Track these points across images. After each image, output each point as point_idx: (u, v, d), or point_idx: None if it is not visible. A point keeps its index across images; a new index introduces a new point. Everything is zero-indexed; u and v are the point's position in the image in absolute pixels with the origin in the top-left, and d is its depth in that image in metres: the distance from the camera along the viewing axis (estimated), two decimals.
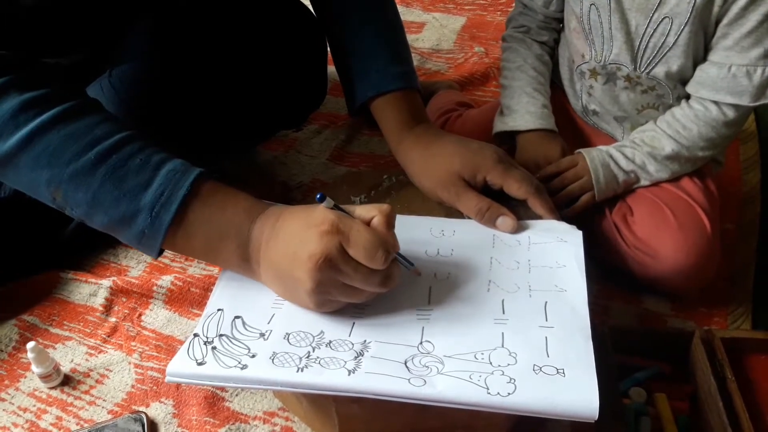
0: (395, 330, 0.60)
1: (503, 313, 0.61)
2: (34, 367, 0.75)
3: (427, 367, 0.56)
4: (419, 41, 1.45)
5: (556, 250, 0.68)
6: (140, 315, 0.85)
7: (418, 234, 0.72)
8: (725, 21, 0.73)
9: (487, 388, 0.53)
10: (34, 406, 0.75)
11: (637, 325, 0.81)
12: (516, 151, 0.87)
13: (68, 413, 0.74)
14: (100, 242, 0.93)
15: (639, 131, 0.83)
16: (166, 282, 0.86)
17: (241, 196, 0.63)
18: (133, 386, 0.76)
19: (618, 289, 0.85)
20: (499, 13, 1.55)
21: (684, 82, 0.80)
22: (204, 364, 0.58)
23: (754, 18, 0.71)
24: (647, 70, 0.79)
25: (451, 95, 1.16)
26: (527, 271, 0.66)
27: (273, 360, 0.57)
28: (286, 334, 0.60)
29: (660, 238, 0.78)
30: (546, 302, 0.62)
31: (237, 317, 0.62)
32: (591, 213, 0.84)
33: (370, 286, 0.58)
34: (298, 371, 0.56)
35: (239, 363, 0.57)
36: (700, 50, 0.77)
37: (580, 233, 0.70)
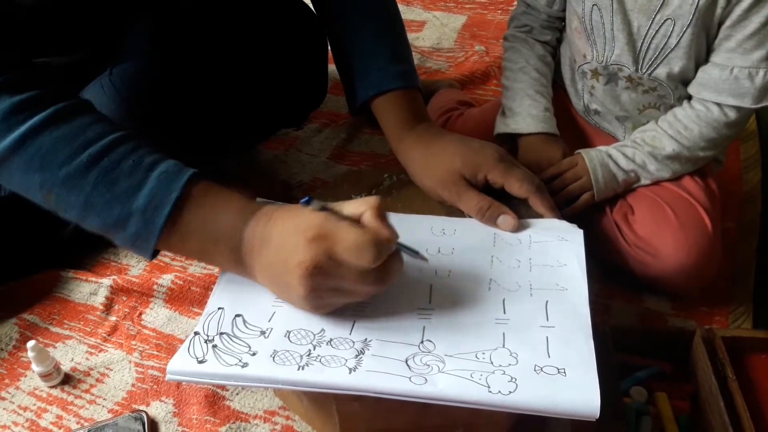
0: (396, 328, 0.60)
1: (504, 312, 0.61)
2: (34, 366, 0.75)
3: (428, 365, 0.56)
4: (420, 40, 1.45)
5: (557, 249, 0.68)
6: (140, 314, 0.85)
7: (419, 233, 0.72)
8: (728, 23, 0.72)
9: (488, 387, 0.53)
10: (35, 405, 0.75)
11: (637, 325, 0.81)
12: (517, 154, 0.87)
13: (68, 412, 0.74)
14: (100, 241, 0.92)
15: (640, 131, 0.83)
16: (167, 281, 0.86)
17: (233, 196, 0.62)
18: (133, 385, 0.76)
19: (619, 288, 0.85)
20: (499, 11, 1.55)
21: (685, 83, 0.80)
22: (205, 362, 0.58)
23: (757, 20, 0.70)
24: (649, 71, 0.79)
25: (452, 94, 1.16)
26: (528, 269, 0.66)
27: (274, 358, 0.57)
28: (287, 332, 0.60)
29: (661, 237, 0.78)
30: (547, 301, 0.62)
31: (237, 315, 0.62)
32: (592, 212, 0.84)
33: (366, 285, 0.57)
34: (298, 369, 0.56)
35: (240, 361, 0.57)
36: (702, 52, 0.77)
37: (581, 232, 0.70)
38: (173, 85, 0.81)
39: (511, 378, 0.54)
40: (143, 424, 0.71)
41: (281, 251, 0.57)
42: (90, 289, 0.88)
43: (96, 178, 0.58)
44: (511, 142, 0.88)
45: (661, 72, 0.78)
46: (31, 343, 0.74)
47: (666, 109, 0.83)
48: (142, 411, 0.72)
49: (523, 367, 0.55)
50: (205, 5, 0.84)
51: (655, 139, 0.81)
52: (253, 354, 0.58)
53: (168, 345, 0.81)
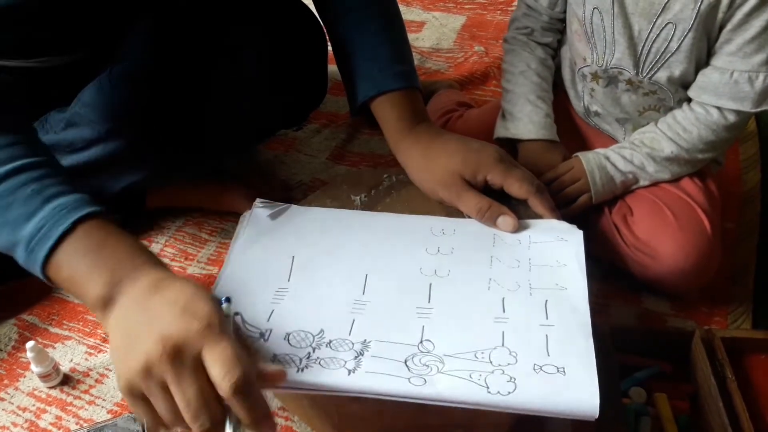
0: (395, 328, 0.60)
1: (503, 311, 0.61)
2: (33, 367, 0.75)
3: (428, 366, 0.56)
4: (419, 40, 1.45)
5: (556, 250, 0.68)
6: None
7: (419, 232, 0.72)
8: (729, 26, 0.72)
9: (487, 387, 0.53)
10: (34, 405, 0.75)
11: (637, 325, 0.81)
12: (517, 157, 0.87)
13: (68, 413, 0.74)
14: None
15: (639, 132, 0.83)
16: None
17: (128, 239, 0.57)
18: None
19: (618, 288, 0.85)
20: (499, 12, 1.55)
21: (686, 86, 0.80)
22: None
23: (757, 24, 0.70)
24: (649, 75, 0.79)
25: (452, 95, 1.16)
26: (528, 269, 0.66)
27: (272, 361, 0.57)
28: (286, 334, 0.60)
29: (660, 238, 0.79)
30: (546, 300, 0.62)
31: (236, 314, 0.62)
32: (590, 213, 0.84)
33: (190, 411, 0.48)
34: (298, 372, 0.56)
35: None
36: (703, 55, 0.77)
37: (580, 233, 0.70)
38: (172, 85, 0.81)
39: (511, 378, 0.54)
40: (142, 425, 0.71)
41: (156, 312, 0.51)
42: None
43: None
44: (510, 146, 0.88)
45: (662, 76, 0.78)
46: (30, 344, 0.74)
47: (666, 111, 0.83)
48: None
49: (523, 366, 0.55)
50: (205, 5, 0.84)
51: (654, 140, 0.81)
52: None
53: None
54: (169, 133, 0.82)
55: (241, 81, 0.86)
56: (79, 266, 0.55)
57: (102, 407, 0.75)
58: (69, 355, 0.81)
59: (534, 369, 0.55)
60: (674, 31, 0.74)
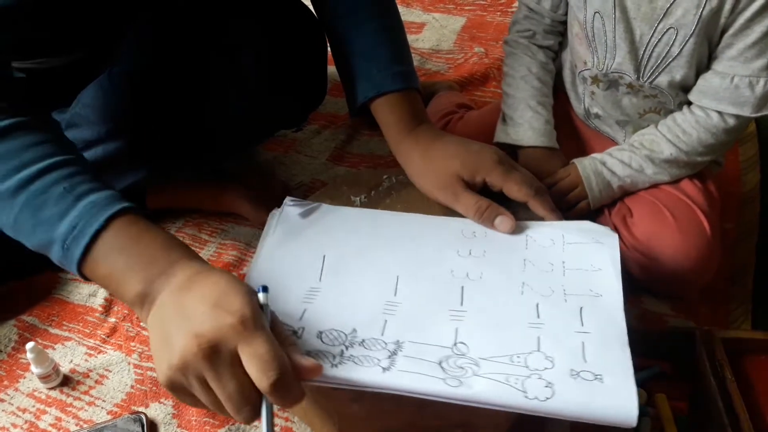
0: (428, 330, 0.59)
1: (538, 317, 0.60)
2: (33, 368, 0.75)
3: (462, 368, 0.55)
4: (419, 42, 1.45)
5: (591, 252, 0.67)
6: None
7: (449, 234, 0.71)
8: (731, 31, 0.72)
9: (525, 392, 0.52)
10: (34, 406, 0.75)
11: (637, 325, 0.81)
12: (516, 161, 0.86)
13: (67, 414, 0.74)
14: None
15: (639, 134, 0.83)
16: None
17: (162, 234, 0.58)
18: (132, 387, 0.76)
19: None
20: (498, 13, 1.55)
21: (686, 90, 0.79)
22: None
23: (759, 29, 0.70)
24: (650, 80, 0.79)
25: (451, 97, 1.16)
26: (562, 273, 0.65)
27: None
28: (319, 332, 0.59)
29: (659, 239, 0.79)
30: (581, 307, 0.61)
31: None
32: (590, 215, 0.84)
33: (232, 404, 0.49)
34: (332, 367, 0.55)
35: None
36: (704, 60, 0.76)
37: (616, 236, 0.68)
38: (172, 85, 0.81)
39: (548, 383, 0.53)
40: (142, 426, 0.71)
41: (191, 310, 0.51)
42: (89, 291, 0.88)
43: (24, 201, 0.57)
44: (510, 148, 0.88)
45: (663, 80, 0.78)
46: (30, 345, 0.74)
47: (666, 114, 0.83)
48: (141, 413, 0.72)
49: (560, 371, 0.54)
50: (204, 5, 0.84)
51: (653, 142, 0.81)
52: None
53: None
54: (169, 134, 0.82)
55: (240, 81, 0.86)
56: (116, 264, 0.56)
57: (102, 408, 0.75)
58: (69, 356, 0.81)
59: (571, 374, 0.54)
60: (676, 36, 0.74)
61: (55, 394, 0.77)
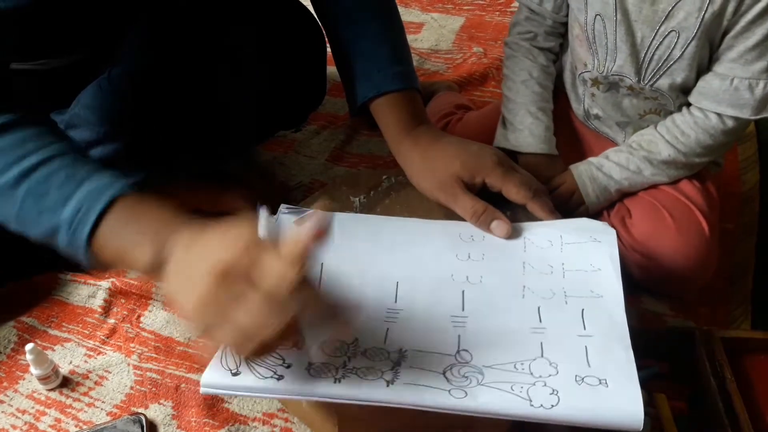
0: (431, 337, 0.59)
1: (540, 321, 0.60)
2: (32, 369, 0.75)
3: (467, 377, 0.55)
4: (418, 42, 1.45)
5: (590, 252, 0.66)
6: (139, 316, 0.85)
7: (447, 238, 0.71)
8: (732, 33, 0.72)
9: (530, 400, 0.52)
10: (33, 408, 0.75)
11: (636, 326, 0.81)
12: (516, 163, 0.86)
13: (67, 415, 0.74)
14: None
15: (637, 135, 0.83)
16: None
17: (167, 205, 0.59)
18: (132, 388, 0.76)
19: None
20: (497, 13, 1.55)
21: (687, 92, 0.79)
22: (238, 374, 0.55)
23: (759, 32, 0.70)
24: (651, 83, 0.79)
25: (450, 97, 1.16)
26: (561, 275, 0.65)
27: (309, 371, 0.56)
28: (320, 342, 0.58)
29: (658, 240, 0.79)
30: (583, 309, 0.61)
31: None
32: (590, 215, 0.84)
33: (262, 317, 0.48)
34: (335, 382, 0.55)
35: (275, 374, 0.56)
36: (705, 62, 0.76)
37: (613, 232, 0.68)
38: (171, 86, 0.81)
39: (553, 390, 0.53)
40: (142, 427, 0.71)
41: (203, 248, 0.52)
42: (89, 292, 0.88)
43: (26, 191, 0.58)
44: (510, 153, 0.88)
45: (664, 83, 0.78)
46: (29, 346, 0.73)
47: (666, 115, 0.83)
48: (141, 414, 0.72)
49: (564, 377, 0.54)
50: (203, 6, 0.84)
51: (651, 143, 0.81)
52: (288, 366, 0.56)
53: (167, 347, 0.81)
54: (168, 135, 0.82)
55: (239, 82, 0.86)
56: (124, 238, 0.56)
57: (101, 409, 0.75)
58: (68, 357, 0.81)
59: (576, 380, 0.54)
60: (677, 39, 0.74)
61: (54, 395, 0.76)
